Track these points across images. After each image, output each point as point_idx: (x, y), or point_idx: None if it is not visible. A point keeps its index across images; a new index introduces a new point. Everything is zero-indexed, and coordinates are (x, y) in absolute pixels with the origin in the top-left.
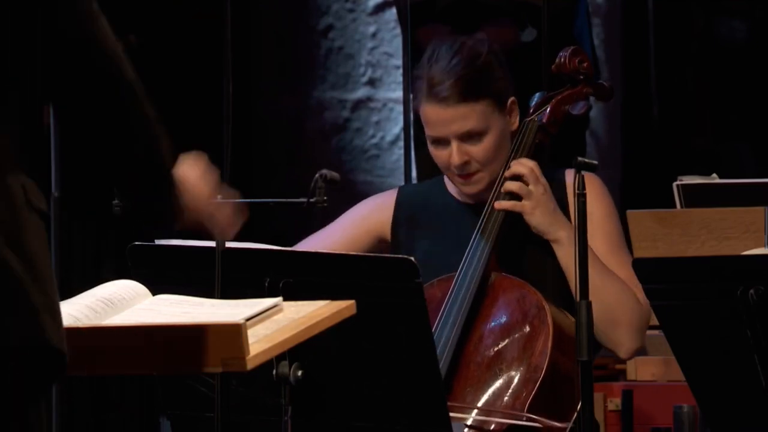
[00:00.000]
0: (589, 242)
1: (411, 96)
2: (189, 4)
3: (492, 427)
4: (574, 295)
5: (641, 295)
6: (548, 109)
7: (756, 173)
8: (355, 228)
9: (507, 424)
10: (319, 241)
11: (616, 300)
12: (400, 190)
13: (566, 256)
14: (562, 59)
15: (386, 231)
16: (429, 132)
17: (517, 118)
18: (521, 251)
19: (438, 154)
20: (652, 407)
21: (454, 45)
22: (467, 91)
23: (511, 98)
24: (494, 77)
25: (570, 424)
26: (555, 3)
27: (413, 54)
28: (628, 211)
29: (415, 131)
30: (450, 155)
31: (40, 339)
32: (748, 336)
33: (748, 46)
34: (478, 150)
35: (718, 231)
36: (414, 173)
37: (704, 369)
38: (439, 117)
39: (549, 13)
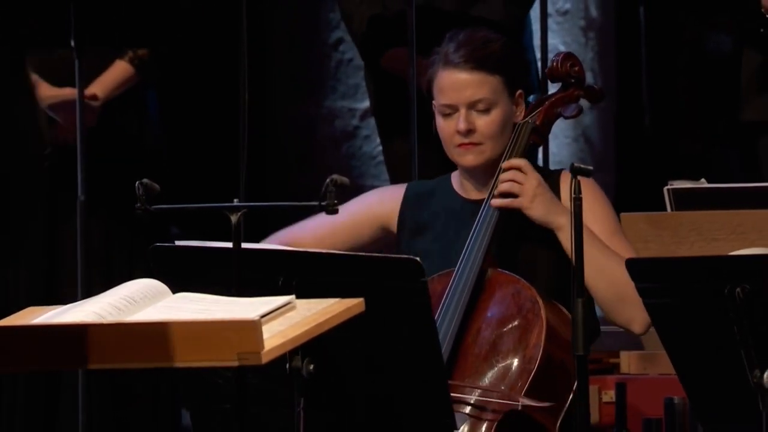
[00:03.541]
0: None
1: (415, 114)
2: (210, 19)
3: (489, 416)
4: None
5: None
6: (541, 112)
7: (742, 178)
8: (360, 214)
9: (503, 412)
10: (325, 221)
11: (621, 276)
12: (409, 186)
13: (569, 241)
14: (555, 63)
15: (392, 223)
16: (441, 101)
17: (522, 112)
18: (516, 248)
19: (445, 125)
20: (645, 399)
21: (474, 29)
22: (483, 61)
23: (519, 90)
24: (508, 61)
25: (564, 410)
26: (507, 22)
27: (416, 66)
28: (622, 214)
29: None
30: (456, 124)
31: None
32: (735, 332)
33: (734, 58)
34: (484, 122)
35: (706, 233)
36: (416, 177)
37: (694, 363)
38: (454, 82)
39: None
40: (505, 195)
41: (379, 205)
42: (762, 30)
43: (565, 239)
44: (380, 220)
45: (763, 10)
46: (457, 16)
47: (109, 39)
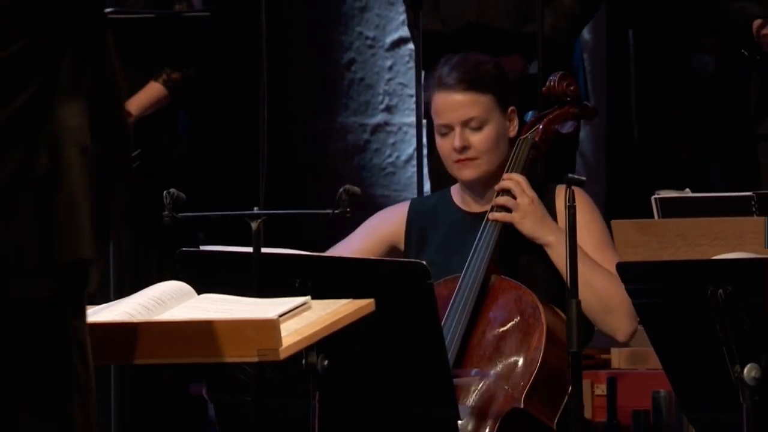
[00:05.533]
0: (579, 242)
1: (424, 121)
2: (232, 42)
3: (493, 413)
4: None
5: None
6: (540, 128)
7: (724, 188)
8: (369, 237)
9: (506, 409)
10: (342, 249)
11: (606, 290)
12: (412, 203)
13: (557, 256)
14: (552, 83)
15: (399, 241)
16: (437, 121)
17: (516, 127)
18: (518, 257)
19: (443, 143)
20: (634, 392)
21: (466, 53)
22: (473, 82)
23: (512, 107)
24: (498, 81)
25: (562, 406)
26: (555, 39)
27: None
28: (612, 221)
29: (428, 150)
30: (452, 142)
31: None
32: (717, 330)
33: (717, 77)
34: (477, 138)
35: (691, 238)
36: (427, 186)
37: (679, 359)
38: (447, 103)
39: (546, 47)
40: (501, 208)
41: (386, 226)
42: (743, 51)
43: (554, 255)
44: (388, 240)
45: (756, 38)
46: (510, 34)
47: (141, 61)
